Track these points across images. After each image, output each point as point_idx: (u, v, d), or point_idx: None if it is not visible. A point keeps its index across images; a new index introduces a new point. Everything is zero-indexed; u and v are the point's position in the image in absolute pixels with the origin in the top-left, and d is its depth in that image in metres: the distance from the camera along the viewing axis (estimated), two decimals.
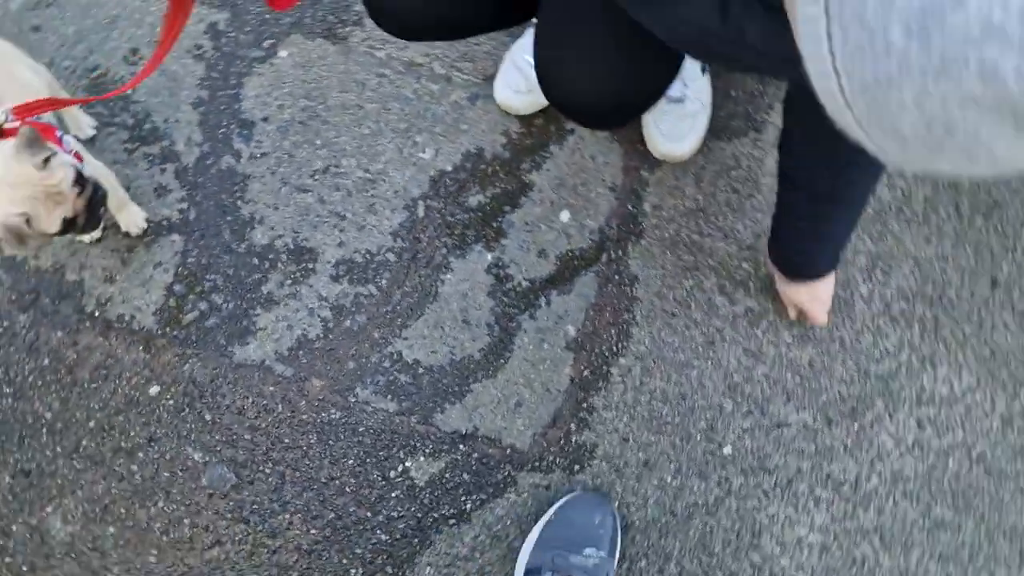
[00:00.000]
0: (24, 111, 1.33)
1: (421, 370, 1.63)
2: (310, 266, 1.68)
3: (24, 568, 1.50)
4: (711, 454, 1.60)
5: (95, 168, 1.48)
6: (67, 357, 1.62)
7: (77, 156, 1.40)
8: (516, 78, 1.72)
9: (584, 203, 1.73)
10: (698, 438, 1.60)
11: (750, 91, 1.79)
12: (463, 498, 1.56)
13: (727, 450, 1.60)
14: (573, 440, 1.60)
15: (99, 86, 1.79)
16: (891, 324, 1.67)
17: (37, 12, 1.84)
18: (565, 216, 1.72)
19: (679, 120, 1.71)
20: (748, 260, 1.70)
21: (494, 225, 1.71)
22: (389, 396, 1.61)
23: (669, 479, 1.58)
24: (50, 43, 1.81)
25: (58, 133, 1.41)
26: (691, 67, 1.71)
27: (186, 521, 1.53)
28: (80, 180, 1.32)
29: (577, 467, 1.58)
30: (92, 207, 1.36)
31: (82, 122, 1.71)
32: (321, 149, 1.75)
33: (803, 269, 1.51)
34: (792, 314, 1.63)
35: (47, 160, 1.27)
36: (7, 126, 1.30)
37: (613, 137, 1.77)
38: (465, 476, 1.58)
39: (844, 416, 1.62)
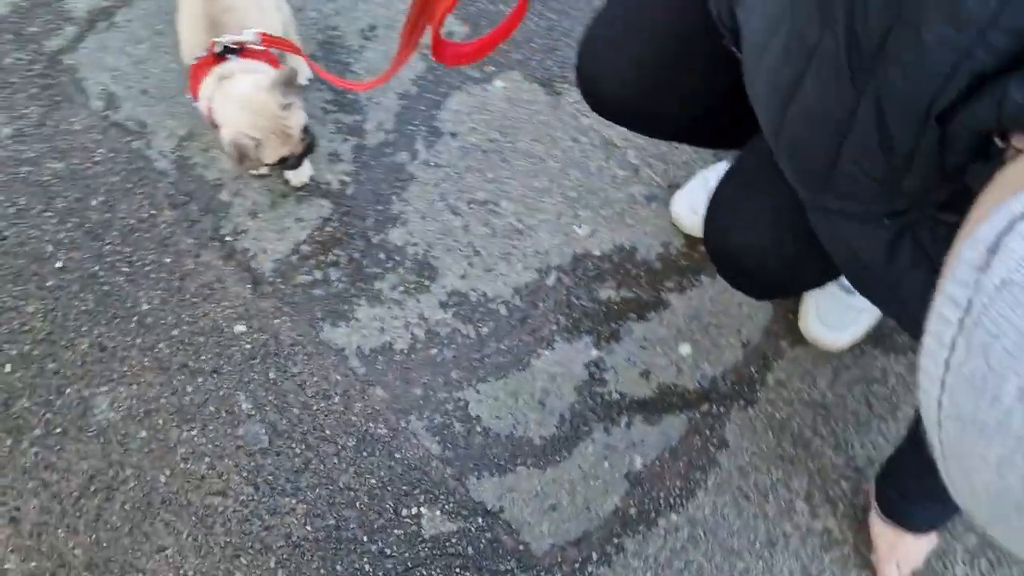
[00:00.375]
0: (271, 41, 1.46)
1: (479, 428, 1.58)
2: (427, 283, 1.68)
3: (57, 430, 1.57)
4: None
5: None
6: (185, 265, 1.70)
7: None
8: (699, 198, 1.66)
9: (710, 345, 1.64)
10: None
11: None
12: (457, 571, 1.50)
13: None
14: (588, 570, 1.50)
15: (331, 43, 1.89)
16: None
17: None
18: (686, 350, 1.63)
19: (844, 310, 1.60)
20: (849, 481, 1.54)
21: (613, 326, 1.65)
22: (438, 438, 1.57)
23: None
24: None
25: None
26: None
27: (207, 460, 1.56)
28: (305, 128, 1.52)
29: None
30: (305, 152, 1.56)
31: (303, 69, 1.80)
32: (490, 183, 1.76)
33: (900, 511, 1.36)
34: (876, 553, 1.46)
35: (289, 105, 1.46)
36: (251, 46, 1.43)
37: None
38: (470, 550, 1.51)
39: None
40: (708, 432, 1.58)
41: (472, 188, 1.76)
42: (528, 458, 1.56)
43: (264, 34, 1.50)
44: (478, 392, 1.61)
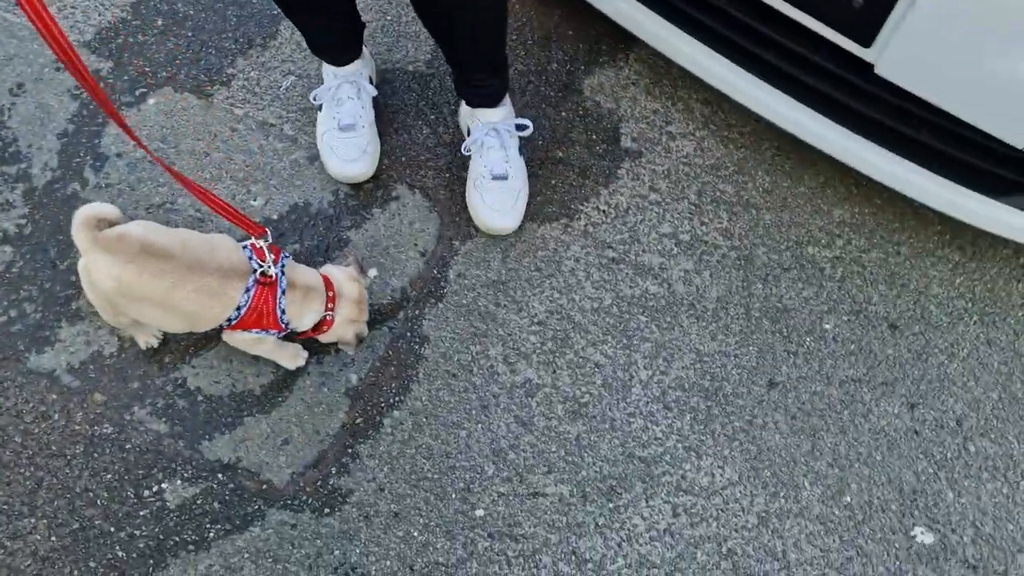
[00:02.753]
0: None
1: (201, 398, 1.68)
2: None
3: None
4: (463, 514, 1.60)
5: None
6: None
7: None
8: (339, 148, 1.85)
9: (393, 264, 1.82)
10: (453, 497, 1.62)
11: (569, 182, 1.91)
12: (208, 526, 1.58)
13: (479, 512, 1.61)
14: (331, 483, 1.62)
15: None
16: (663, 411, 1.70)
17: None
18: (373, 273, 1.81)
19: (504, 195, 1.82)
20: (536, 334, 1.76)
21: None
22: (164, 419, 1.66)
23: (416, 534, 1.59)
24: None
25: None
26: (512, 147, 1.83)
27: None
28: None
29: (327, 510, 1.60)
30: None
31: None
32: (162, 187, 1.88)
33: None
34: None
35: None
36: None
37: (433, 207, 1.88)
38: (216, 504, 1.60)
39: (601, 494, 1.63)
40: (408, 335, 1.75)
41: (148, 196, 1.87)
42: (253, 408, 1.68)
43: None
44: (193, 367, 1.71)
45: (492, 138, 1.83)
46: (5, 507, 1.57)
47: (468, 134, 1.87)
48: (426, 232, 1.86)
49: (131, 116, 1.96)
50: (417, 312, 1.78)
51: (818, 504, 1.63)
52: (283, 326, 1.55)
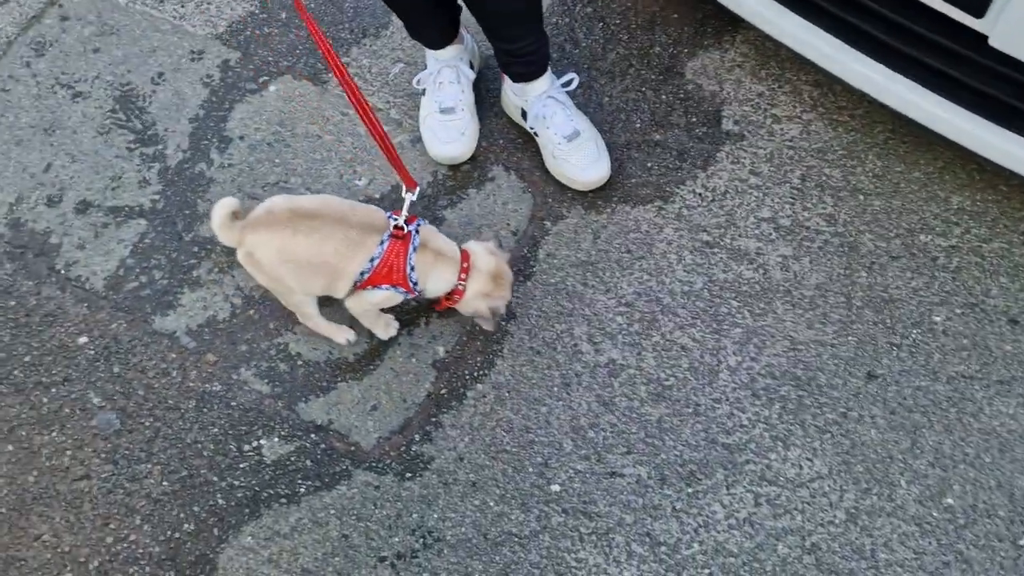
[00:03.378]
0: None
1: (300, 363, 1.79)
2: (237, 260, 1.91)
3: None
4: (539, 488, 1.62)
5: None
6: (28, 303, 1.92)
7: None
8: (439, 132, 1.91)
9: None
10: (530, 470, 1.64)
11: (666, 165, 1.88)
12: (300, 482, 1.67)
13: (555, 488, 1.62)
14: (413, 450, 1.68)
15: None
16: (751, 398, 1.64)
17: None
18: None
19: (585, 149, 1.84)
20: (623, 315, 1.75)
21: None
22: (266, 380, 1.77)
23: (492, 504, 1.62)
24: None
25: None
26: (570, 105, 1.84)
27: (68, 453, 1.74)
28: None
29: (409, 474, 1.66)
30: None
31: None
32: (278, 167, 2.02)
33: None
34: None
35: None
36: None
37: (527, 188, 1.91)
38: (308, 463, 1.69)
39: (680, 478, 1.60)
40: None
41: (264, 175, 2.01)
42: (346, 374, 1.76)
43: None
44: (295, 334, 1.82)
45: (551, 106, 1.85)
46: (127, 452, 1.73)
47: (524, 117, 1.89)
48: (519, 212, 1.89)
49: (253, 101, 2.11)
50: None
51: (915, 504, 1.53)
52: (412, 285, 1.61)
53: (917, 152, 1.82)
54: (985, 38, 1.40)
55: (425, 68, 1.97)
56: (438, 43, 1.89)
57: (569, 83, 1.89)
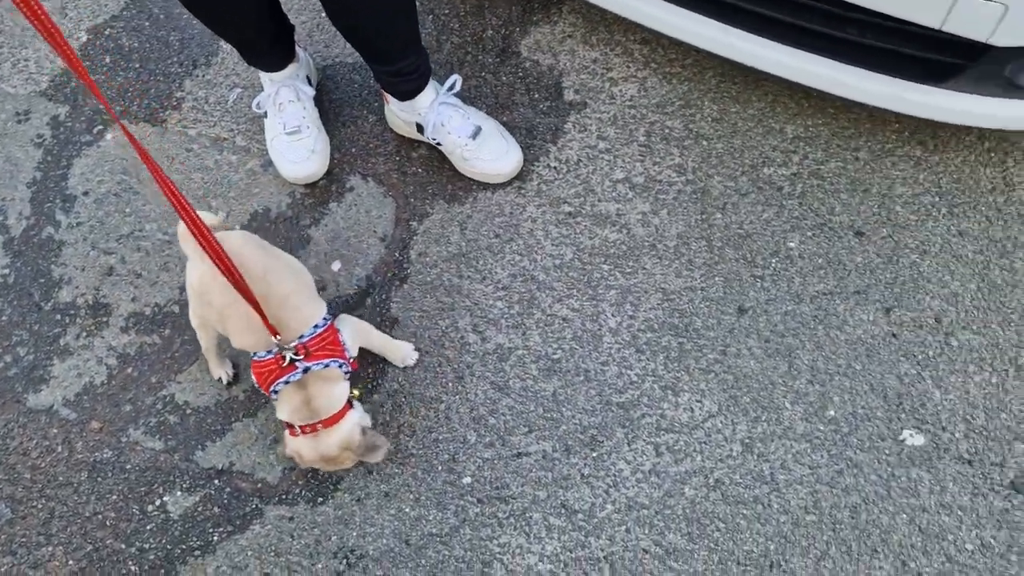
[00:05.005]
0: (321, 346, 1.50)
1: (189, 411, 1.74)
2: (104, 319, 1.84)
3: None
4: (451, 484, 1.64)
5: (353, 329, 1.63)
6: None
7: (353, 364, 1.57)
8: (286, 154, 1.89)
9: (355, 254, 1.85)
10: (440, 469, 1.65)
11: (520, 143, 1.91)
12: (211, 530, 1.64)
13: (467, 480, 1.64)
14: (320, 473, 1.67)
15: None
16: (636, 355, 1.70)
17: None
18: (336, 266, 1.85)
19: (493, 141, 1.85)
20: (502, 300, 1.78)
21: None
22: (158, 436, 1.73)
23: (408, 509, 1.63)
24: None
25: (337, 334, 1.55)
26: (461, 104, 1.86)
27: None
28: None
29: (320, 499, 1.65)
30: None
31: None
32: (129, 216, 1.95)
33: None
34: None
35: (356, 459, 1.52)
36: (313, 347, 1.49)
37: (387, 192, 1.91)
38: (216, 509, 1.66)
39: (583, 445, 1.64)
40: (379, 320, 1.79)
41: (116, 227, 1.94)
42: (240, 412, 1.73)
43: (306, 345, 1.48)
44: (179, 383, 1.77)
45: (446, 111, 1.84)
46: (24, 539, 1.66)
47: (420, 130, 1.88)
48: (383, 218, 1.89)
49: (92, 153, 2.03)
50: (384, 296, 1.81)
51: (801, 422, 1.62)
52: (271, 396, 1.51)
53: (748, 91, 1.91)
54: None
55: (263, 90, 1.94)
56: (277, 66, 1.86)
57: (453, 85, 1.87)
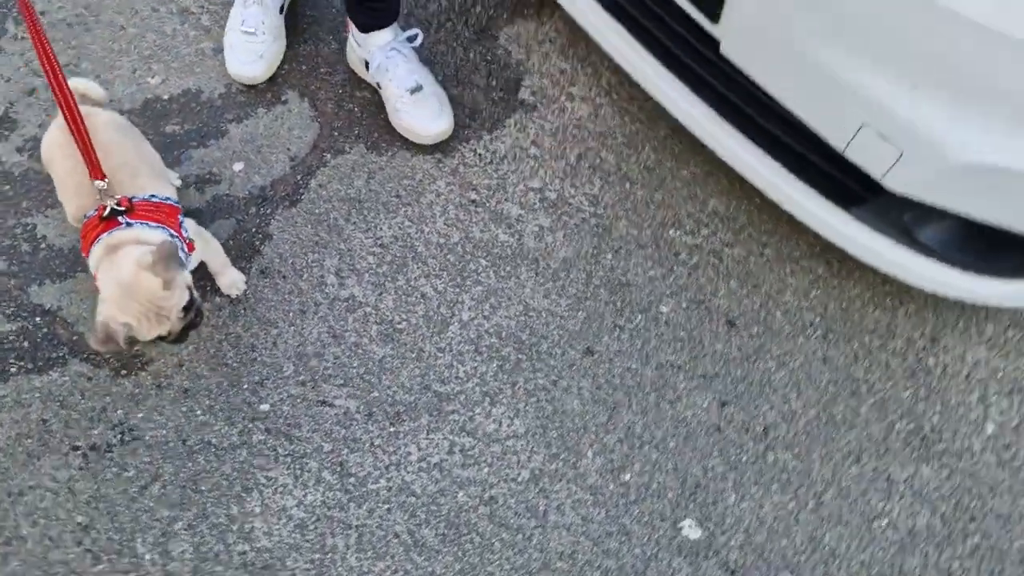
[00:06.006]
0: (153, 207, 1.43)
1: (43, 246, 1.76)
2: (6, 134, 1.86)
3: None
4: (249, 405, 1.64)
5: (202, 238, 1.58)
6: None
7: (189, 246, 1.50)
8: (237, 53, 1.90)
9: (261, 162, 1.86)
10: (245, 387, 1.66)
11: (455, 121, 1.90)
12: (12, 361, 1.65)
13: (264, 407, 1.64)
14: (135, 349, 1.67)
15: None
16: (473, 353, 1.70)
17: None
18: (239, 167, 1.85)
19: (428, 102, 1.85)
20: (375, 256, 1.78)
21: (174, 154, 1.86)
22: (3, 257, 1.74)
23: (199, 412, 1.63)
24: None
25: (180, 217, 1.49)
26: (414, 58, 1.87)
27: None
28: (187, 306, 1.40)
29: (125, 372, 1.66)
30: (187, 328, 1.43)
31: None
32: (72, 49, 1.96)
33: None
34: None
35: (170, 282, 1.34)
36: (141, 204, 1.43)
37: (317, 118, 1.91)
38: (25, 344, 1.67)
39: (387, 417, 1.64)
40: (253, 229, 1.79)
41: (57, 54, 1.95)
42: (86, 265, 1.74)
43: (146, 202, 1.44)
44: (46, 217, 1.78)
45: (395, 57, 1.84)
46: None
47: (367, 68, 1.89)
48: (303, 139, 1.89)
49: None
50: (268, 211, 1.81)
51: (595, 475, 1.61)
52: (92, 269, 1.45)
53: (690, 153, 1.90)
54: (718, 44, 1.46)
55: None
56: None
57: (414, 38, 1.87)
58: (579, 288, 1.76)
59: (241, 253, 1.77)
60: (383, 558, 1.53)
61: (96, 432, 1.60)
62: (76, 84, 1.54)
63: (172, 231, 1.47)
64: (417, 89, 1.84)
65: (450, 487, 1.59)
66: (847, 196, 1.53)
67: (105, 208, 1.42)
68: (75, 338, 1.68)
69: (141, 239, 1.40)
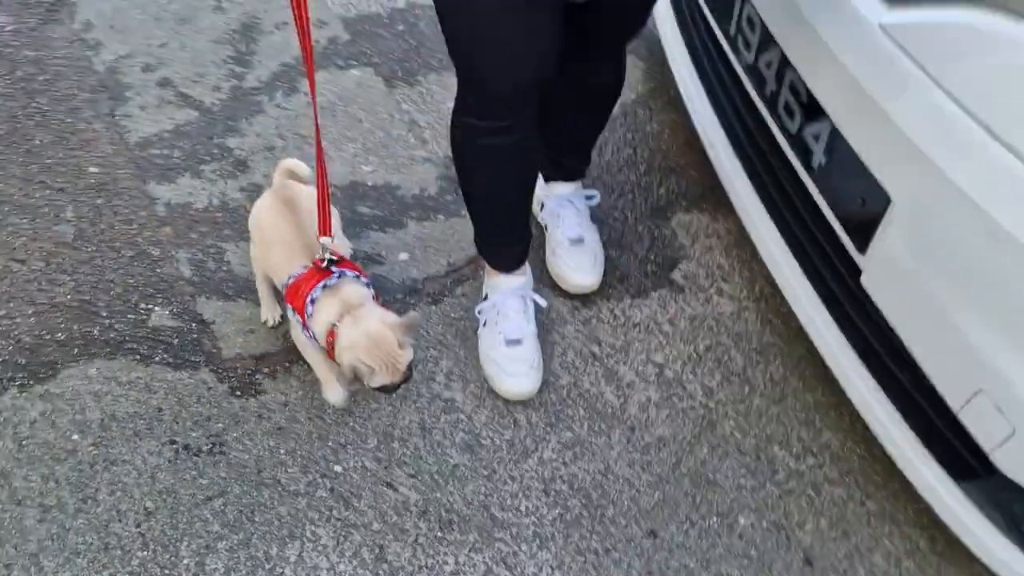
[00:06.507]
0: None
1: (225, 269, 2.02)
2: (238, 175, 2.19)
3: None
4: (325, 460, 1.74)
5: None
6: (79, 125, 2.28)
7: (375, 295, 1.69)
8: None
9: (422, 259, 2.06)
10: (329, 443, 1.76)
11: (604, 280, 2.01)
12: (159, 352, 1.88)
13: (338, 468, 1.73)
14: (256, 377, 1.85)
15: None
16: (541, 493, 1.71)
17: None
18: (403, 256, 2.06)
19: (584, 255, 1.99)
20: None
21: (356, 229, 2.10)
22: (194, 267, 2.02)
23: (282, 451, 1.75)
24: None
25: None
26: (585, 214, 2.02)
27: (24, 239, 2.04)
28: (410, 364, 1.60)
29: (239, 393, 1.83)
30: (402, 382, 1.63)
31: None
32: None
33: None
34: None
35: (404, 344, 1.58)
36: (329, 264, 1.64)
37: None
38: (175, 341, 1.90)
39: (438, 520, 1.67)
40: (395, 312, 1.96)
41: (301, 127, 2.31)
42: (251, 295, 1.97)
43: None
44: (236, 247, 2.06)
45: (567, 208, 2.02)
46: (60, 262, 2.01)
47: (541, 208, 2.06)
48: (464, 252, 2.07)
49: (335, 73, 2.44)
50: (412, 302, 1.98)
51: None
52: (305, 317, 1.62)
53: (819, 381, 1.87)
54: (859, 273, 1.48)
55: None
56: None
57: (591, 197, 2.05)
58: (664, 470, 1.75)
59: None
60: None
61: (194, 435, 1.77)
62: (288, 163, 1.81)
63: (367, 280, 1.67)
64: (578, 241, 1.98)
65: None
66: (961, 468, 1.44)
67: (323, 260, 1.63)
68: (213, 351, 1.89)
69: (359, 295, 1.62)
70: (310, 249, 1.66)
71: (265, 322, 1.92)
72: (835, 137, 1.47)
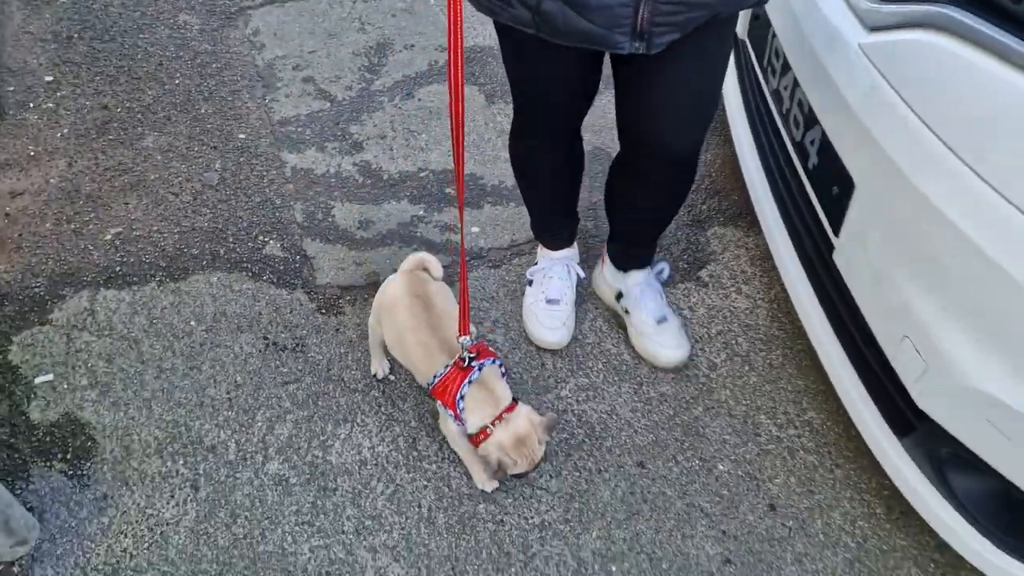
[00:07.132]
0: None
1: (333, 222, 2.47)
2: (355, 153, 2.68)
3: None
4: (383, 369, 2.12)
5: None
6: (235, 108, 2.84)
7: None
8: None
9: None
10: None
11: None
12: (267, 272, 2.33)
13: (393, 377, 2.10)
14: (340, 303, 2.26)
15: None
16: None
17: None
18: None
19: (671, 333, 2.16)
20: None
21: (441, 204, 2.52)
22: (304, 216, 2.48)
23: (349, 359, 2.14)
24: None
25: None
26: (662, 293, 2.23)
27: (178, 183, 2.57)
28: (543, 457, 1.79)
29: (324, 311, 2.24)
30: (530, 471, 1.80)
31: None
32: (422, 152, 2.78)
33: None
34: None
35: (544, 442, 1.78)
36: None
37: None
38: (281, 267, 2.35)
39: None
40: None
41: (411, 124, 2.78)
42: (347, 242, 2.41)
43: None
44: (343, 205, 2.52)
45: (647, 292, 2.17)
46: (211, 203, 2.52)
47: (618, 299, 2.20)
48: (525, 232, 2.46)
49: (446, 87, 2.93)
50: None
51: (589, 552, 1.80)
52: (457, 411, 1.76)
53: (813, 370, 2.11)
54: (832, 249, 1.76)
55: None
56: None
57: (662, 272, 2.27)
58: (662, 418, 2.03)
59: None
60: (403, 514, 1.86)
61: (283, 336, 2.19)
62: (421, 257, 1.93)
63: (498, 359, 1.83)
64: (663, 320, 2.17)
65: (474, 495, 1.89)
66: (902, 424, 1.67)
67: (464, 360, 1.77)
68: (309, 278, 2.33)
69: (496, 376, 1.79)
70: (447, 344, 1.81)
71: (375, 375, 2.11)
72: (824, 138, 1.79)
